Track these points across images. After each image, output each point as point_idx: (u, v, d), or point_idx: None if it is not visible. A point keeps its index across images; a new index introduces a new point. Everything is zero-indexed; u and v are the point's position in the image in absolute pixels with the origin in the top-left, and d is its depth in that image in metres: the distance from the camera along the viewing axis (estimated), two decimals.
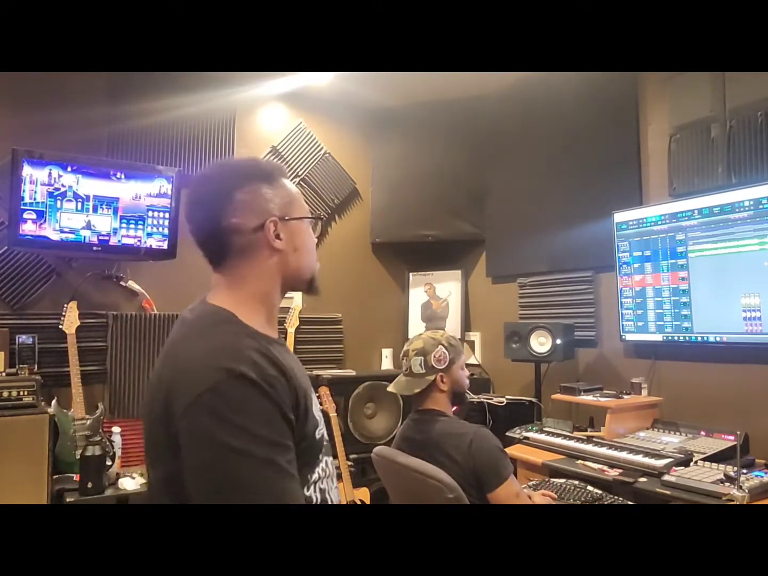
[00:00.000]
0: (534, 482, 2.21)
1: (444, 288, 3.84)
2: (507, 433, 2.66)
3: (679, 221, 2.52)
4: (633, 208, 2.74)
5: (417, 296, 3.93)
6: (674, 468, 2.01)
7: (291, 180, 1.09)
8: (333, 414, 2.91)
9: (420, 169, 3.73)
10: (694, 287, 2.47)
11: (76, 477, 2.43)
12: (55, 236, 2.63)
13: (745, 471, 1.89)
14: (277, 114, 3.57)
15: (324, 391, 2.96)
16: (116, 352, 2.93)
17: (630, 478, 2.04)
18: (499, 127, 3.57)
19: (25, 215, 2.56)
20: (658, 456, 2.11)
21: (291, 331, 3.33)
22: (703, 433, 2.34)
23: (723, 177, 2.44)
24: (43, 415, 2.37)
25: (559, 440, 2.48)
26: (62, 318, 2.70)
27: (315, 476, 0.91)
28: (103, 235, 2.74)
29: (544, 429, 2.64)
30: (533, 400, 2.99)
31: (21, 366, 2.55)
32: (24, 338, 2.63)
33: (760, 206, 2.23)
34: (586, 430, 2.56)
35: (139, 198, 2.83)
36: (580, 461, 2.29)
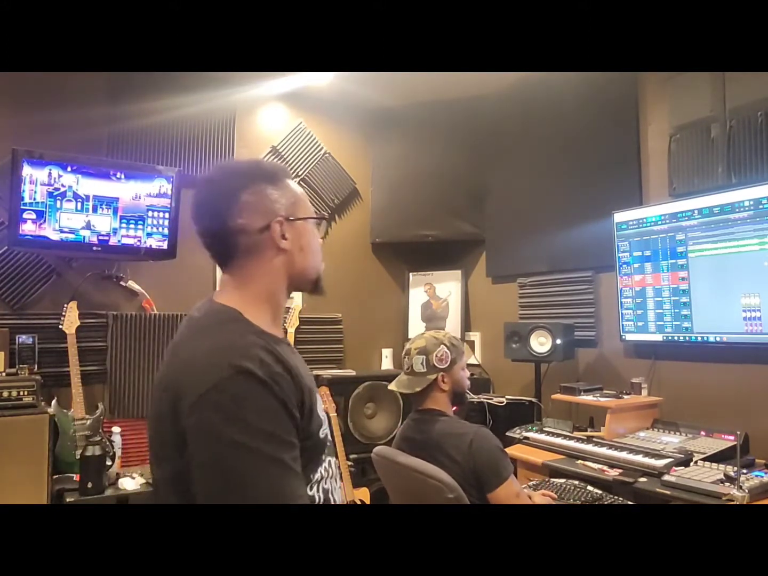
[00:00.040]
0: (534, 482, 2.21)
1: (444, 288, 3.84)
2: (507, 433, 2.66)
3: (679, 221, 2.52)
4: (633, 208, 2.73)
5: (417, 296, 3.93)
6: (674, 468, 2.01)
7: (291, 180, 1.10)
8: (333, 414, 2.92)
9: (420, 169, 3.73)
10: (694, 287, 2.47)
11: (76, 477, 2.43)
12: (55, 236, 2.63)
13: (745, 471, 1.89)
14: (277, 114, 3.57)
15: (324, 391, 2.96)
16: (116, 352, 2.93)
17: (630, 478, 2.04)
18: (499, 127, 3.57)
19: (25, 215, 2.56)
20: (658, 456, 2.11)
21: (291, 331, 3.33)
22: (703, 433, 2.34)
23: (723, 177, 2.44)
24: (43, 415, 2.37)
25: (559, 440, 2.48)
26: (62, 318, 2.70)
27: (318, 475, 0.92)
28: (103, 235, 2.74)
29: (544, 429, 2.64)
30: (533, 400, 2.99)
31: (21, 366, 2.55)
32: (24, 338, 2.63)
33: (760, 206, 2.23)
34: (586, 430, 2.56)
35: (139, 198, 2.82)
36: (580, 461, 2.29)
